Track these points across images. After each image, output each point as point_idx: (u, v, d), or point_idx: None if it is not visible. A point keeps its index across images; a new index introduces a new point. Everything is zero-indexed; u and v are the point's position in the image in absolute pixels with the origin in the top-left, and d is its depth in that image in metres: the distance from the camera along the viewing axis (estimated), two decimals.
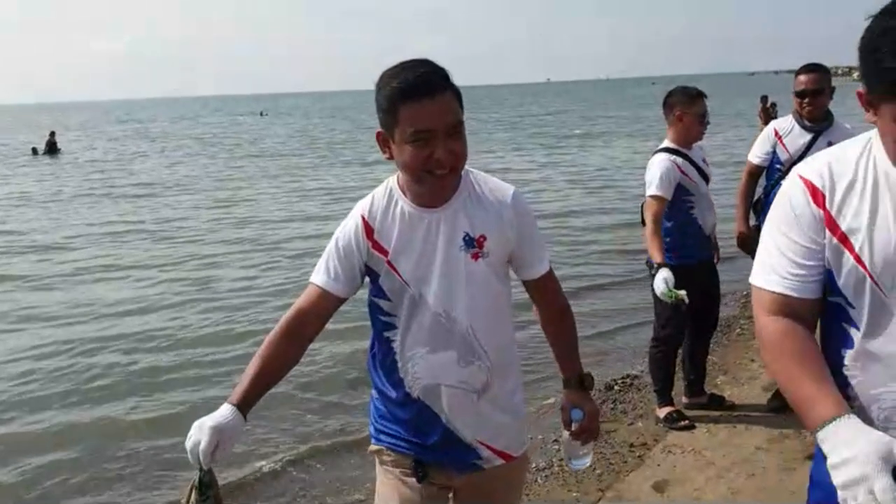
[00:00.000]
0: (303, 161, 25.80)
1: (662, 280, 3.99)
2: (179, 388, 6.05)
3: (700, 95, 4.32)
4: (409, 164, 1.85)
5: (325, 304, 1.99)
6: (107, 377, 6.35)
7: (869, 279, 1.46)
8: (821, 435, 1.34)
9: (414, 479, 2.04)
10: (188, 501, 1.78)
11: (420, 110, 1.80)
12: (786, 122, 4.50)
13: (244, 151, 30.50)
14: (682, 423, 4.43)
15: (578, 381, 2.14)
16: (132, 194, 18.13)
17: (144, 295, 8.77)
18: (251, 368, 1.91)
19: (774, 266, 1.55)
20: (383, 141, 1.91)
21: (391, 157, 1.91)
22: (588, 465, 2.37)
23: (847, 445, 1.28)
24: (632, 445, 4.30)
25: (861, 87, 1.43)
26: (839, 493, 1.26)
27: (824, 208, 1.50)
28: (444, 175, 1.86)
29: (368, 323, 2.09)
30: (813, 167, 1.54)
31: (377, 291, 2.01)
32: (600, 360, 6.04)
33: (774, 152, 4.46)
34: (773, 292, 1.54)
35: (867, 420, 1.43)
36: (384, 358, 2.05)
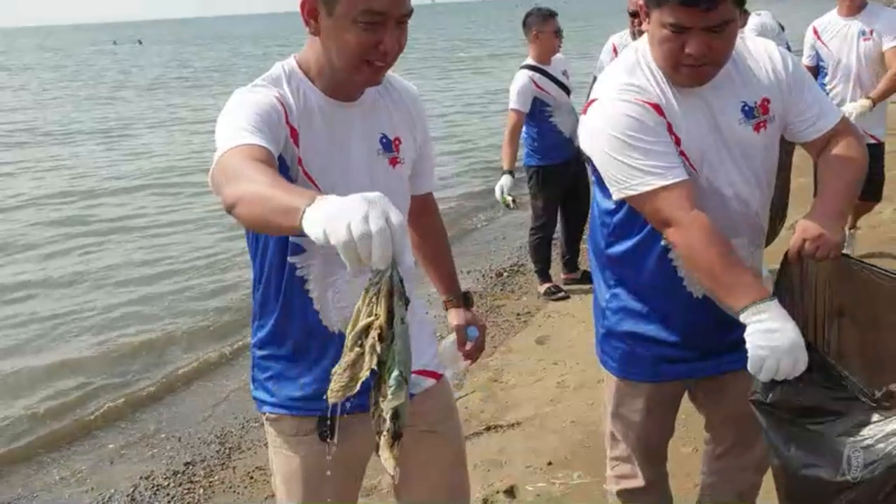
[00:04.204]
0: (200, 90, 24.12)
1: (500, 186, 5.00)
2: None
3: (552, 15, 5.08)
4: (351, 49, 1.54)
5: (272, 166, 1.44)
6: None
7: (690, 167, 1.77)
8: (762, 306, 1.61)
9: (322, 442, 1.72)
10: (381, 331, 1.13)
11: None
12: (623, 38, 5.19)
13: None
14: (559, 294, 5.34)
15: (466, 299, 2.07)
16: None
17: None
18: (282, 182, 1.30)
19: (659, 164, 1.69)
20: (310, 11, 1.56)
21: (316, 34, 1.58)
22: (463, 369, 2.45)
23: (781, 319, 1.60)
24: (518, 314, 5.19)
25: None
26: (763, 353, 1.59)
27: (665, 117, 1.74)
28: (381, 68, 1.59)
29: None
30: (633, 89, 1.75)
31: None
32: (490, 256, 6.89)
33: None
34: (679, 182, 1.69)
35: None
36: (288, 291, 1.70)
